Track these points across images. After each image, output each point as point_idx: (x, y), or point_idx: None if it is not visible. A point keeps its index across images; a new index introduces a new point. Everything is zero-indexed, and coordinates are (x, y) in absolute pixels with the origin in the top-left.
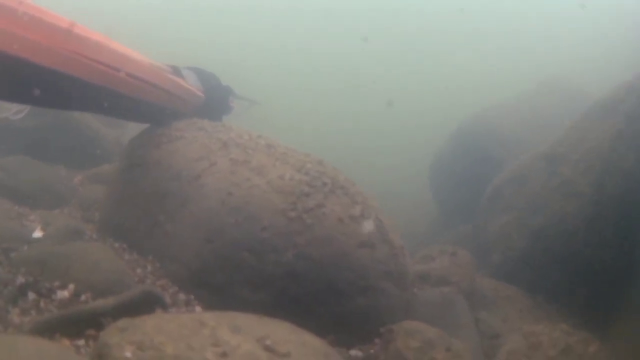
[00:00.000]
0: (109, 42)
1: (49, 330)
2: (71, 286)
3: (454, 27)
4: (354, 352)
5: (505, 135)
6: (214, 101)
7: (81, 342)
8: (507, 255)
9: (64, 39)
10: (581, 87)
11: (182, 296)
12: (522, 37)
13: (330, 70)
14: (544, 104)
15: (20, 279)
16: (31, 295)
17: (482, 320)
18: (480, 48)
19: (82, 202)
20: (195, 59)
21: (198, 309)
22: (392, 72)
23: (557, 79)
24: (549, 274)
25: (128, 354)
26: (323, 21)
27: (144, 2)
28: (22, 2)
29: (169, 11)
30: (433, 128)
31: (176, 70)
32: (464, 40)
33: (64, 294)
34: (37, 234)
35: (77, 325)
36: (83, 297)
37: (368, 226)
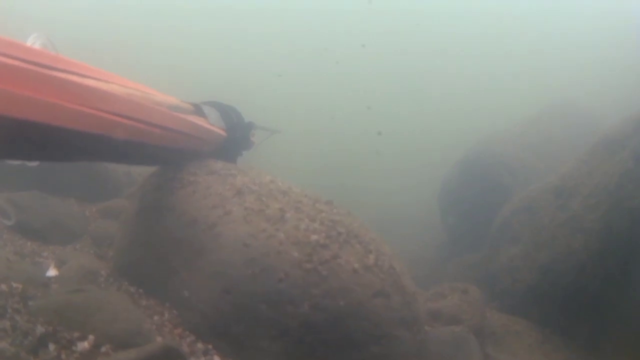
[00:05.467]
0: (127, 85)
1: None
2: (91, 337)
3: (463, 49)
4: None
5: (512, 162)
6: (236, 139)
7: None
8: (515, 287)
9: (77, 93)
10: (591, 111)
11: (200, 345)
12: (531, 60)
13: (339, 92)
14: (552, 129)
15: (40, 329)
16: (51, 346)
17: (491, 357)
18: (488, 70)
19: (95, 237)
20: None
21: (216, 358)
22: (400, 95)
23: (566, 103)
24: (557, 308)
25: None
26: (325, 40)
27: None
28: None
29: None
30: (443, 150)
31: (198, 109)
32: (472, 62)
33: (84, 345)
34: (51, 272)
35: None
36: (103, 349)
37: None
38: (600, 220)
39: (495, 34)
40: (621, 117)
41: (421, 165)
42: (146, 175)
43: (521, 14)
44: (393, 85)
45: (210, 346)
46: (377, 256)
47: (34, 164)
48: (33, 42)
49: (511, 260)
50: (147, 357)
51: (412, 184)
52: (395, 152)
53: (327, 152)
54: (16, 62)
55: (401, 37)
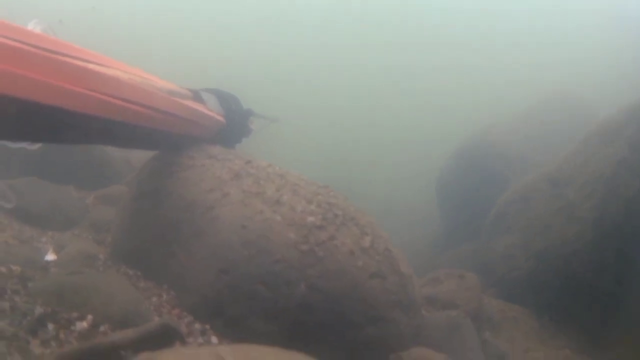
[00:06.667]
0: (127, 70)
1: None
2: (89, 317)
3: (461, 41)
4: None
5: (509, 153)
6: (234, 125)
7: None
8: (512, 275)
9: (79, 76)
10: (588, 102)
11: (197, 326)
12: (529, 52)
13: (339, 84)
14: (549, 120)
15: (39, 310)
16: (50, 326)
17: (488, 342)
18: (487, 62)
19: (94, 223)
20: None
21: (214, 338)
22: (399, 86)
23: (563, 94)
24: (553, 296)
25: None
26: (326, 33)
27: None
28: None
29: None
30: (442, 142)
31: (197, 95)
32: (471, 53)
33: (82, 325)
34: (50, 256)
35: (97, 358)
36: (102, 328)
37: None
38: (595, 209)
39: (494, 27)
40: (617, 106)
41: (419, 157)
42: (145, 161)
43: (520, 6)
44: (394, 80)
45: (207, 326)
46: (373, 239)
47: (34, 147)
48: (33, 27)
49: (507, 249)
50: (146, 334)
51: (410, 176)
52: (395, 145)
53: (328, 145)
54: (19, 45)
55: (401, 32)
